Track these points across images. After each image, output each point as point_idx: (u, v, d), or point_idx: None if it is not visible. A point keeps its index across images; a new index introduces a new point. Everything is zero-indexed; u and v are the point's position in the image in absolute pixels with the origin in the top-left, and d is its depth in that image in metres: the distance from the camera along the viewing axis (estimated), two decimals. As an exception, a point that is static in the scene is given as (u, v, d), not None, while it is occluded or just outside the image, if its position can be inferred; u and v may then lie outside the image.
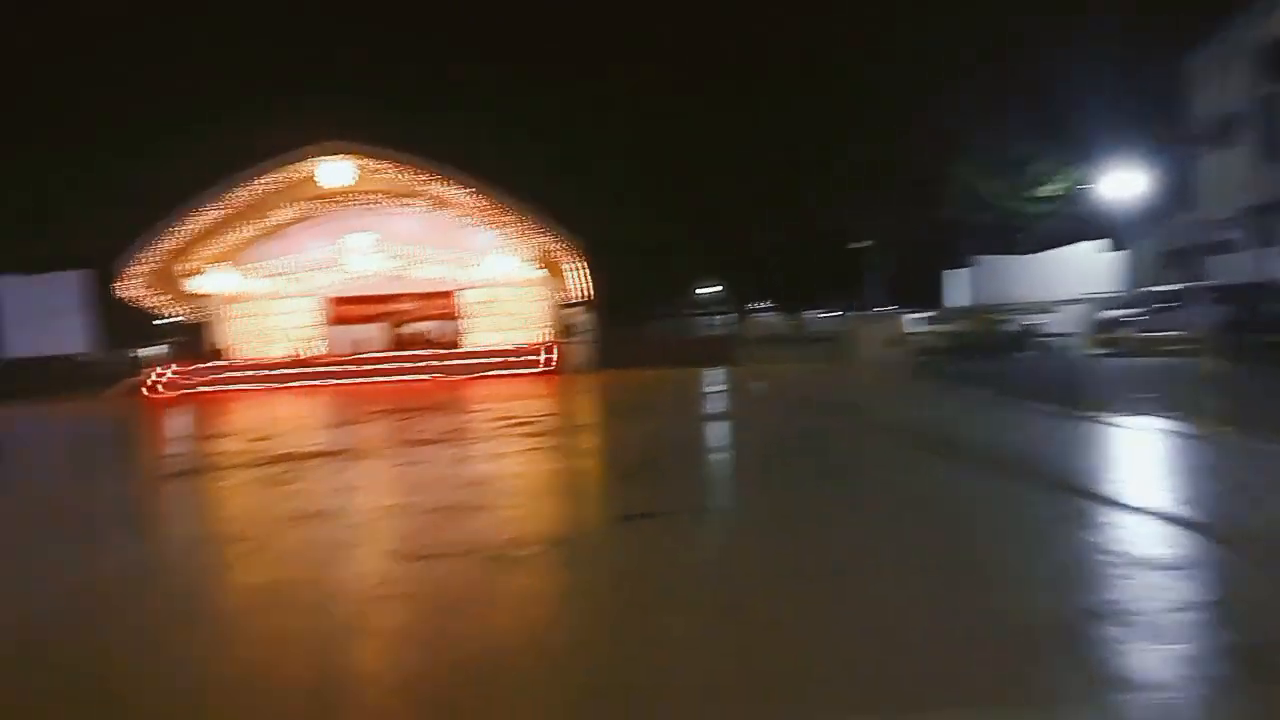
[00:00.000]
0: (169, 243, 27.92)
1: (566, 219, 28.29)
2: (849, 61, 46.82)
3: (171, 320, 34.15)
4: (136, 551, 7.12)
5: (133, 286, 28.81)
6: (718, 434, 12.68)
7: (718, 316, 55.72)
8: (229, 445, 13.82)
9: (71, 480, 11.92)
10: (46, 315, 33.71)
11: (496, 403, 18.10)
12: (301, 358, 29.04)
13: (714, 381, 20.01)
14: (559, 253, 28.34)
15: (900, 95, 43.23)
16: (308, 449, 12.39)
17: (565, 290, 30.05)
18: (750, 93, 56.11)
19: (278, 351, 29.83)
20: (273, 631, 4.87)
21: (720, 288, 62.07)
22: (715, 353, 28.03)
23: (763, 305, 64.03)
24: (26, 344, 33.62)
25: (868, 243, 48.40)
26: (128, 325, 35.75)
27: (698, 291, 63.01)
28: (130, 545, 7.39)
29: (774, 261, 54.22)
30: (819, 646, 4.27)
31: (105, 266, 29.42)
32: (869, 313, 44.38)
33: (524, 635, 4.64)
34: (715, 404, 16.49)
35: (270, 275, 29.88)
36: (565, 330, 30.21)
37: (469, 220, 28.56)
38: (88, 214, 38.34)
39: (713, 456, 11.00)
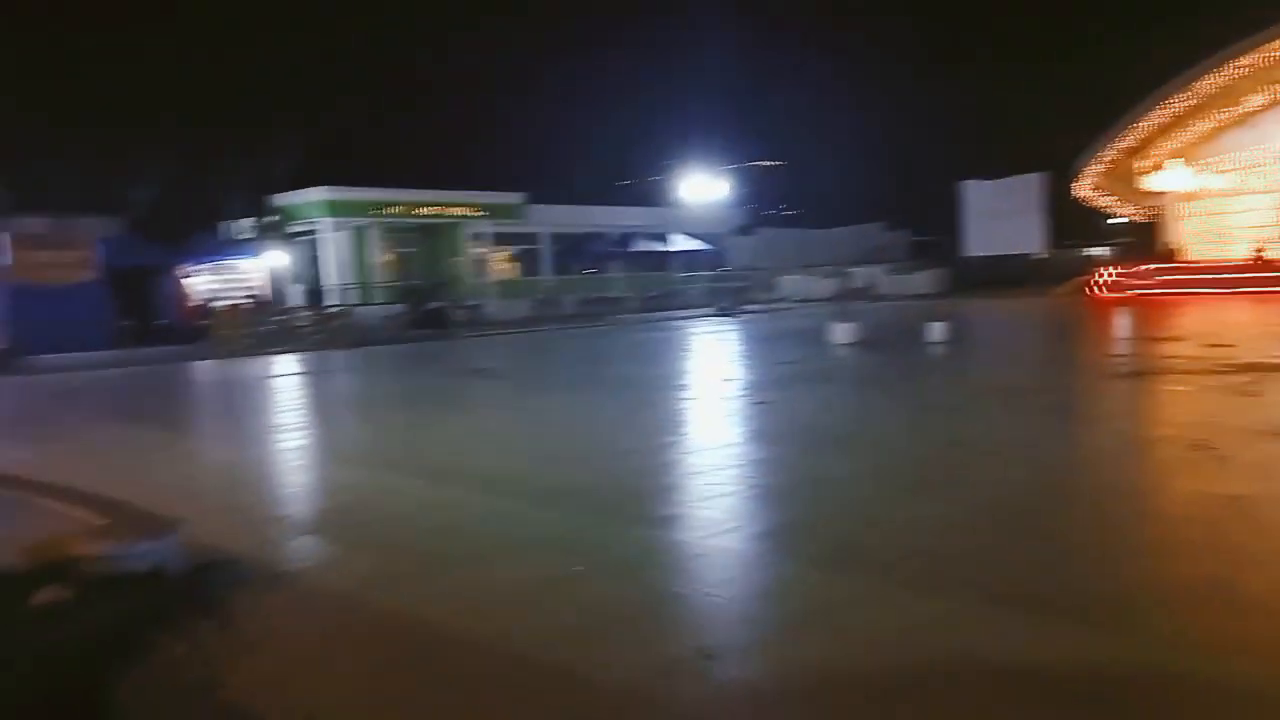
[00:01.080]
0: (1127, 139, 27.41)
1: None
2: None
3: (1120, 220, 33.84)
4: (1093, 442, 7.34)
5: (1087, 186, 29.22)
6: None
7: None
8: (1180, 350, 13.18)
9: (1028, 370, 12.83)
10: (1002, 217, 36.59)
11: None
12: (1263, 260, 25.91)
13: None
14: None
15: None
16: (1277, 360, 11.13)
17: None
18: None
19: (1236, 253, 27.16)
20: (1235, 546, 4.52)
21: None
22: None
23: None
24: (984, 244, 37.27)
25: None
26: (1078, 226, 36.69)
27: None
28: (1086, 436, 7.65)
29: None
30: None
31: (1061, 168, 30.41)
32: None
33: None
34: None
35: (1233, 169, 27.20)
36: None
37: None
38: (1046, 117, 39.82)
39: None
